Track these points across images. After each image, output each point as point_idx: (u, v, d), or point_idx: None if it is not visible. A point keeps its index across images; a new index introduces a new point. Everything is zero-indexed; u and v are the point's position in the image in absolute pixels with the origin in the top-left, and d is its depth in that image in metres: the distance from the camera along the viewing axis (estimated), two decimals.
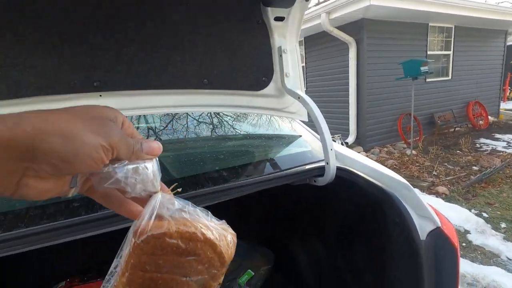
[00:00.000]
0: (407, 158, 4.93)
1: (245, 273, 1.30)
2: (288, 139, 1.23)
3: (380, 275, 0.91)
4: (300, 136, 1.27)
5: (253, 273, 1.28)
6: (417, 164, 4.68)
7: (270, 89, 1.05)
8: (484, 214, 3.17)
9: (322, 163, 0.97)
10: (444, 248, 0.71)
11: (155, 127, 1.23)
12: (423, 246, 0.71)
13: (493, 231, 2.88)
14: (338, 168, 0.95)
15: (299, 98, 1.00)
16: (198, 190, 0.75)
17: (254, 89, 1.03)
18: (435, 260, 0.71)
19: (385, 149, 5.69)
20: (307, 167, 0.95)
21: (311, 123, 1.19)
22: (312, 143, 1.18)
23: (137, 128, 1.25)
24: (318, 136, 1.21)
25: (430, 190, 3.79)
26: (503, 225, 2.96)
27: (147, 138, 1.13)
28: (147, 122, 1.30)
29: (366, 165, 0.95)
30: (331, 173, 0.92)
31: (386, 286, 0.85)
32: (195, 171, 0.84)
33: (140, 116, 1.28)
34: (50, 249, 0.66)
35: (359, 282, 1.18)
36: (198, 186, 0.77)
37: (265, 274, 1.41)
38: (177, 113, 1.24)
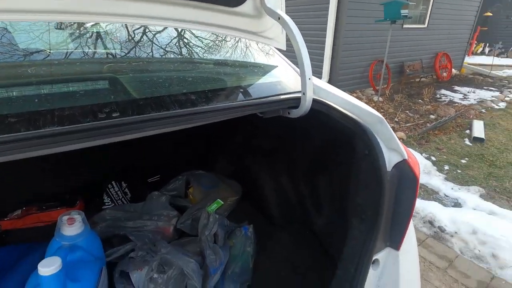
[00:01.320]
0: (373, 105, 5.11)
1: (214, 202, 1.32)
2: (263, 69, 1.14)
3: (343, 203, 0.96)
4: (277, 66, 1.19)
5: (222, 202, 1.31)
6: (382, 111, 4.89)
7: (247, 6, 0.92)
8: (433, 158, 3.50)
9: (298, 95, 0.92)
10: (408, 179, 0.74)
11: (114, 41, 1.06)
12: (389, 177, 0.74)
13: (437, 172, 3.23)
14: (314, 100, 0.91)
15: (279, 19, 0.89)
16: (162, 113, 0.67)
17: (230, 5, 0.89)
18: (397, 189, 0.75)
19: (354, 94, 5.80)
20: (282, 97, 0.90)
21: (289, 53, 1.10)
22: (289, 75, 1.11)
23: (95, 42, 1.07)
24: (296, 68, 1.14)
25: None
26: (446, 167, 3.31)
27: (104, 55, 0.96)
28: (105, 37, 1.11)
29: (341, 98, 0.92)
30: (306, 104, 0.88)
31: (347, 212, 0.90)
32: (159, 92, 0.75)
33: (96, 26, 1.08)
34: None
35: (322, 210, 1.26)
36: (162, 109, 0.68)
37: (232, 204, 1.46)
38: (139, 28, 1.07)
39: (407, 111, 4.97)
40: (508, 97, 5.92)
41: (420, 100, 5.57)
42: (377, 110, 4.83)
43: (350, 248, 0.79)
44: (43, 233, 1.11)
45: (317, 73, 5.72)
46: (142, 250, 1.10)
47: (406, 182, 0.75)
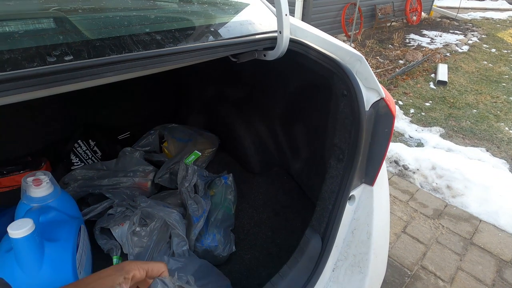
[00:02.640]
0: None
1: (191, 154, 1.29)
2: (235, 7, 1.03)
3: (320, 146, 0.98)
4: (249, 4, 1.08)
5: (199, 153, 1.29)
6: None
7: None
8: (400, 102, 3.65)
9: (274, 34, 0.85)
10: (385, 117, 0.75)
11: None
12: (366, 116, 0.74)
13: (403, 115, 3.39)
14: (291, 40, 0.85)
15: None
16: (124, 55, 0.59)
17: None
18: (373, 127, 0.76)
19: None
20: (257, 37, 0.83)
21: None
22: (263, 14, 1.02)
23: None
24: (271, 7, 1.05)
25: None
26: (412, 110, 3.48)
27: None
28: None
29: (320, 37, 0.87)
30: (283, 44, 0.83)
31: (324, 154, 0.92)
32: (118, 32, 0.65)
33: None
34: None
35: (299, 154, 1.29)
36: (124, 50, 0.60)
37: (209, 156, 1.44)
38: None
39: (378, 57, 5.00)
40: (471, 40, 6.11)
41: (390, 46, 5.59)
42: None
43: (327, 187, 0.82)
44: (7, 199, 1.04)
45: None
46: (121, 206, 1.08)
47: (383, 120, 0.77)
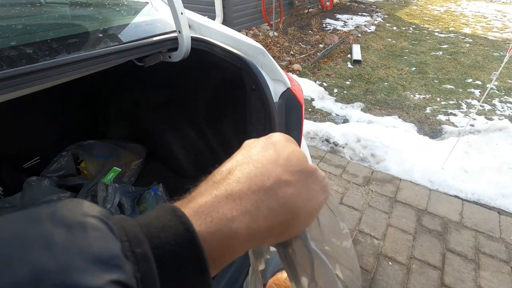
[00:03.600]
0: (270, 40, 5.20)
1: (109, 172, 1.19)
2: (131, 7, 0.95)
3: (242, 139, 0.99)
4: (147, 3, 1.01)
5: (119, 169, 1.19)
6: (278, 45, 5.04)
7: None
8: (324, 84, 3.92)
9: (174, 34, 0.81)
10: (293, 106, 0.78)
11: None
12: (276, 107, 0.76)
13: (329, 96, 3.66)
14: (194, 39, 0.82)
15: None
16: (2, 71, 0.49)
17: None
18: (285, 116, 0.79)
19: (251, 31, 5.74)
20: (156, 38, 0.78)
21: None
22: (164, 13, 0.97)
23: None
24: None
25: (288, 68, 4.27)
26: (335, 90, 3.77)
27: None
28: None
29: (224, 33, 0.86)
30: (185, 44, 0.79)
31: None
32: None
33: None
34: None
35: (231, 150, 1.28)
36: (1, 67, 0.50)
37: (137, 168, 1.35)
38: None
39: (300, 43, 5.26)
40: (376, 20, 6.84)
41: (310, 31, 5.92)
42: (274, 45, 4.95)
43: None
44: None
45: (211, 12, 5.34)
46: None
47: (293, 109, 0.80)
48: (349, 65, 4.45)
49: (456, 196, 2.12)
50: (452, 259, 1.70)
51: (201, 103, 1.24)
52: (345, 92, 3.73)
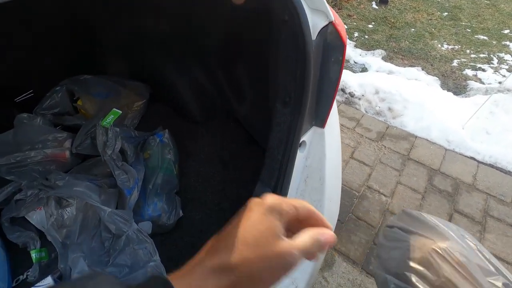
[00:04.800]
0: None
1: (109, 114, 1.07)
2: None
3: (264, 86, 0.84)
4: None
5: (119, 112, 1.07)
6: None
7: None
8: (345, 26, 3.53)
9: None
10: (334, 47, 0.62)
11: None
12: (313, 46, 0.60)
13: (348, 40, 3.32)
14: None
15: None
16: None
17: None
18: (322, 60, 0.63)
19: None
20: None
21: None
22: None
23: None
24: None
25: None
26: (356, 34, 3.42)
27: None
28: None
29: None
30: None
31: (269, 96, 0.79)
32: None
33: None
34: None
35: (244, 96, 1.14)
36: None
37: (140, 110, 1.22)
38: None
39: None
40: None
41: None
42: None
43: (275, 135, 0.72)
44: None
45: None
46: (32, 188, 0.87)
47: (333, 51, 0.64)
48: (374, 5, 3.96)
49: (472, 158, 2.03)
50: (459, 220, 1.69)
51: (214, 38, 1.05)
52: (366, 37, 3.38)
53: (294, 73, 0.64)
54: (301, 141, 0.71)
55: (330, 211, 0.75)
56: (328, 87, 0.68)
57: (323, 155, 0.73)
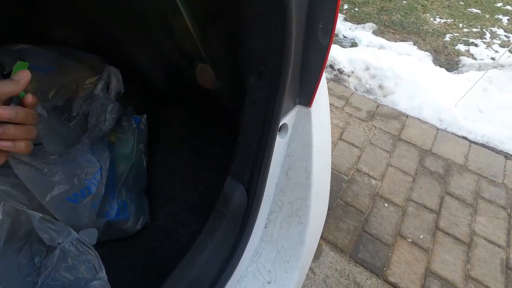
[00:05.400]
0: None
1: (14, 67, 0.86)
2: None
3: (239, 49, 0.67)
4: None
5: (26, 63, 0.87)
6: None
7: None
8: None
9: None
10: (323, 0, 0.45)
11: None
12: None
13: None
14: None
15: None
16: None
17: None
18: (307, 17, 0.46)
19: None
20: None
21: None
22: None
23: None
24: None
25: None
26: (345, 6, 3.20)
27: None
28: None
29: None
30: None
31: (243, 62, 0.62)
32: None
33: None
34: None
35: (218, 68, 0.96)
36: None
37: (92, 87, 1.03)
38: None
39: None
40: None
41: None
42: None
43: (249, 117, 0.56)
44: None
45: None
46: None
47: (322, 5, 0.47)
48: None
49: (464, 138, 1.95)
50: (450, 203, 1.62)
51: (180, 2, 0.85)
52: (356, 9, 3.17)
53: (270, 33, 0.47)
54: (281, 123, 0.56)
55: (318, 209, 0.61)
56: (316, 52, 0.51)
57: (309, 141, 0.58)
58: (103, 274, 0.58)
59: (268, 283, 0.53)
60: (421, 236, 1.47)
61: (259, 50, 0.49)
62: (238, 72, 0.80)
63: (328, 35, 0.51)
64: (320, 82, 0.63)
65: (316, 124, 0.59)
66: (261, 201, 0.56)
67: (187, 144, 1.00)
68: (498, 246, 1.46)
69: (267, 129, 0.54)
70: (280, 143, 0.58)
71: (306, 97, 0.57)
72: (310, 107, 0.58)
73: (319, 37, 0.49)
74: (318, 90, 0.60)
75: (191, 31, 0.89)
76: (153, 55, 1.05)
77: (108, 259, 0.62)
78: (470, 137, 1.95)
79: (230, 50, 0.85)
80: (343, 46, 2.65)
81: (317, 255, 1.37)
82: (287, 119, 0.57)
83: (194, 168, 0.93)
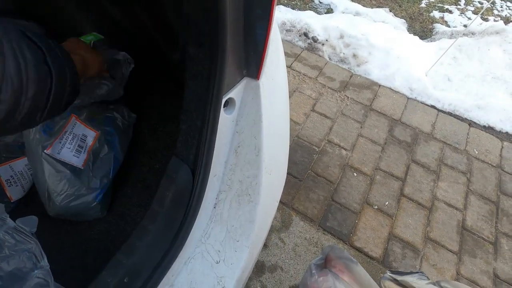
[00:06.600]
0: None
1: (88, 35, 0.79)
2: None
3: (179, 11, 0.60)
4: None
5: (102, 37, 0.81)
6: None
7: None
8: None
9: None
10: None
11: None
12: None
13: None
14: None
15: None
16: None
17: None
18: None
19: None
20: None
21: None
22: None
23: None
24: None
25: None
26: None
27: None
28: None
29: None
30: None
31: (179, 31, 0.56)
32: None
33: None
34: None
35: (175, 37, 0.89)
36: None
37: None
38: None
39: None
40: None
41: None
42: None
43: (191, 91, 0.51)
44: None
45: None
46: None
47: None
48: None
49: (432, 106, 1.99)
50: (415, 170, 1.68)
51: None
52: None
53: (205, 1, 0.41)
54: (226, 98, 0.52)
55: (270, 186, 0.60)
56: (258, 21, 0.46)
57: (259, 117, 0.55)
58: (44, 262, 0.54)
59: (217, 263, 0.52)
60: (387, 203, 1.53)
61: (196, 17, 0.43)
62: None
63: (265, 16, 0.45)
64: (274, 53, 0.58)
65: (266, 98, 0.56)
66: (207, 181, 0.53)
67: (143, 121, 0.94)
68: (456, 209, 1.55)
69: (210, 105, 0.49)
70: (227, 119, 0.54)
71: (254, 69, 0.53)
72: (258, 79, 0.54)
73: (259, 3, 0.44)
74: (269, 61, 0.55)
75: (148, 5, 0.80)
76: (98, 24, 0.94)
77: (49, 245, 0.58)
78: (438, 105, 1.99)
79: (176, 8, 0.77)
80: (318, 13, 2.55)
81: (287, 225, 1.41)
82: (234, 93, 0.53)
83: (150, 147, 0.88)
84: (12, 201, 0.80)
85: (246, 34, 0.48)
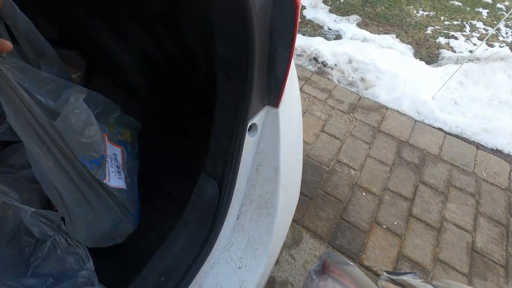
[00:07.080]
0: None
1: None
2: None
3: (209, 44, 0.70)
4: None
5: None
6: None
7: None
8: None
9: None
10: (284, 7, 0.49)
11: None
12: (257, 7, 0.47)
13: (323, 4, 3.12)
14: None
15: None
16: None
17: None
18: (270, 25, 0.50)
19: None
20: None
21: None
22: None
23: None
24: None
25: None
26: None
27: None
28: None
29: None
30: None
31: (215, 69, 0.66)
32: None
33: None
34: None
35: (197, 65, 0.99)
36: None
37: (78, 82, 1.04)
38: None
39: None
40: None
41: None
42: None
43: (220, 117, 0.60)
44: None
45: None
46: None
47: (283, 12, 0.51)
48: None
49: (440, 129, 2.05)
50: (424, 191, 1.71)
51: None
52: (341, 1, 3.20)
53: (236, 41, 0.51)
54: (250, 123, 0.60)
55: (286, 201, 0.67)
56: (280, 55, 0.55)
57: (277, 140, 0.63)
58: (90, 265, 0.62)
59: (239, 268, 0.59)
60: (395, 223, 1.56)
61: (227, 57, 0.53)
62: (211, 73, 0.83)
63: (288, 42, 0.55)
64: (290, 85, 0.67)
65: (284, 123, 0.64)
66: (232, 195, 0.61)
67: (164, 138, 1.04)
68: (465, 230, 1.57)
69: (237, 129, 0.58)
70: (250, 141, 0.62)
71: (273, 98, 0.62)
72: (277, 107, 0.62)
73: (282, 42, 0.53)
74: (286, 92, 0.64)
75: (169, 27, 0.91)
76: (130, 49, 1.06)
77: (94, 250, 0.66)
78: (445, 128, 2.04)
79: (207, 48, 0.88)
80: (327, 39, 2.69)
81: (297, 242, 1.45)
82: (256, 119, 0.61)
83: (173, 164, 0.97)
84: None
85: (269, 69, 0.57)
